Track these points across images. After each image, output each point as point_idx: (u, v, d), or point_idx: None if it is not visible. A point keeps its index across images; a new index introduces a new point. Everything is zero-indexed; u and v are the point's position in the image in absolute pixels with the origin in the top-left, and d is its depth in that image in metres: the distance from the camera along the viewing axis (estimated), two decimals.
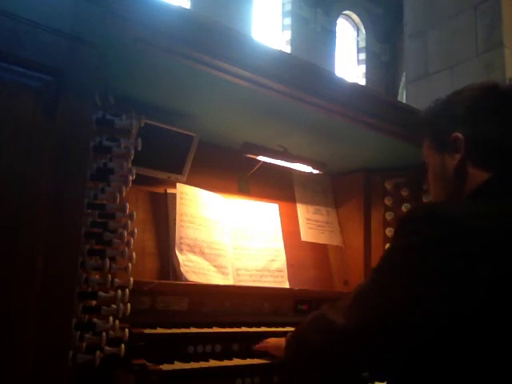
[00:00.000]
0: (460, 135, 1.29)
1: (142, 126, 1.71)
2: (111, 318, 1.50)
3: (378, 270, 1.25)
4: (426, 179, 1.45)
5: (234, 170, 2.44)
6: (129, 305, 1.55)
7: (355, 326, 1.19)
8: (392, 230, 2.59)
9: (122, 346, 1.51)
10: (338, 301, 1.30)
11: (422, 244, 1.16)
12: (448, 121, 1.34)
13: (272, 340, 1.85)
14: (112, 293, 1.52)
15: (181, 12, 1.53)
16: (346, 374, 1.24)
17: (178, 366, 1.63)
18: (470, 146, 1.28)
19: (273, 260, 2.37)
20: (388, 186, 2.64)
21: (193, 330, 1.83)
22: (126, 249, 1.56)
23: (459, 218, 1.16)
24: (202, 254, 2.14)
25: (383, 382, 1.89)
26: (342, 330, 1.21)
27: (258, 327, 2.02)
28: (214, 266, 2.17)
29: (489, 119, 1.28)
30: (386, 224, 2.63)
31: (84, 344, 1.43)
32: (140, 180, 1.78)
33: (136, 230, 1.62)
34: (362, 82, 16.96)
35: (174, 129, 2.06)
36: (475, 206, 1.21)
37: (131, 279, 1.57)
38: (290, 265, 2.42)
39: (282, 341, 1.75)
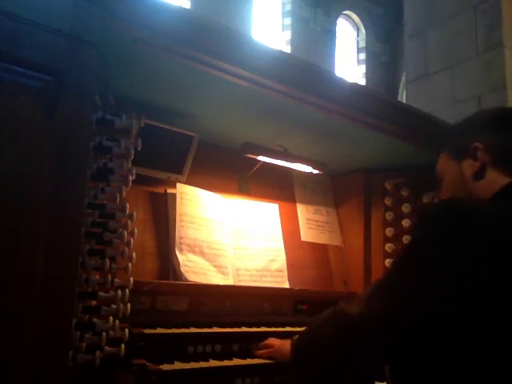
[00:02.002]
0: (480, 144, 1.38)
1: (142, 125, 1.71)
2: (111, 318, 1.50)
3: (391, 266, 1.29)
4: (438, 194, 1.53)
5: (234, 170, 2.44)
6: (129, 305, 1.55)
7: (366, 317, 1.22)
8: (392, 229, 2.60)
9: (122, 346, 1.51)
10: (356, 296, 1.37)
11: (425, 244, 1.17)
12: (468, 133, 1.45)
13: (275, 343, 1.84)
14: (112, 293, 1.52)
15: (181, 12, 1.53)
16: (349, 376, 1.26)
17: (178, 365, 1.63)
18: (488, 154, 1.37)
19: (273, 260, 2.37)
20: (388, 186, 2.64)
21: (193, 329, 1.83)
22: (126, 249, 1.56)
23: (465, 219, 1.16)
24: (202, 254, 2.14)
25: (383, 382, 1.89)
26: (355, 321, 1.24)
27: (258, 327, 2.02)
28: (214, 266, 2.17)
29: (504, 131, 1.39)
30: (386, 224, 2.63)
31: (84, 344, 1.43)
32: (140, 180, 1.78)
33: (136, 230, 1.62)
34: (362, 82, 16.96)
35: (174, 129, 2.06)
36: (487, 209, 1.23)
37: (131, 279, 1.57)
38: (290, 265, 2.42)
39: (285, 344, 1.74)
